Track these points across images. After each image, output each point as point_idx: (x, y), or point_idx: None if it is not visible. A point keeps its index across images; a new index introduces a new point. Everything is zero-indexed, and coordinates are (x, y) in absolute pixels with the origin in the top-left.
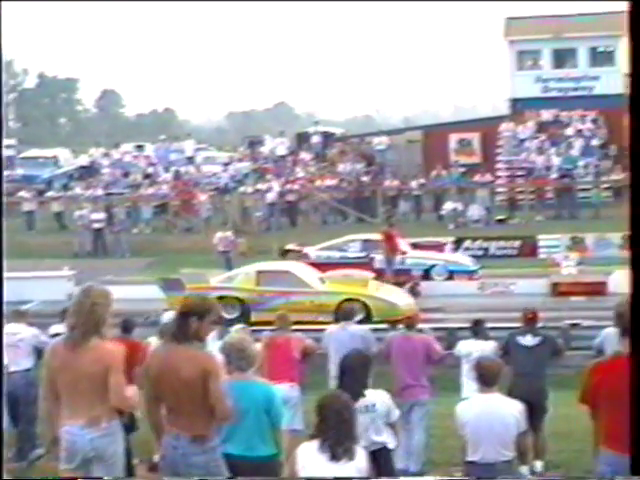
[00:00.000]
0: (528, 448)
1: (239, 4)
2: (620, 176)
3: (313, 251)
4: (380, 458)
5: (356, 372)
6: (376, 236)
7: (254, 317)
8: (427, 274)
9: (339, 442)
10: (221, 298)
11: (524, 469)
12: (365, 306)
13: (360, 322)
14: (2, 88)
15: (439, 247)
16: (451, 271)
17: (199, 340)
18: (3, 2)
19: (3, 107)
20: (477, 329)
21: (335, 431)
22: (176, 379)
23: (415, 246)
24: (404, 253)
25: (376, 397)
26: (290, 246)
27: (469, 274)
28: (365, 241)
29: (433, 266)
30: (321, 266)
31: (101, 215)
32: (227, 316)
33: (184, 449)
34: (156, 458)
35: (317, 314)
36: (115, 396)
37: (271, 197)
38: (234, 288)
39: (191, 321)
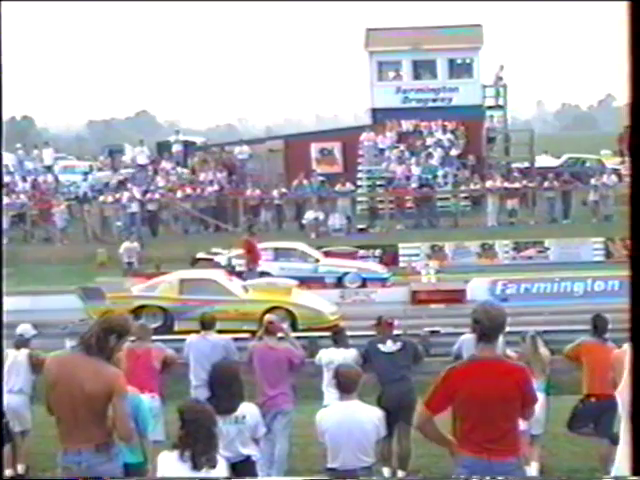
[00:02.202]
0: (391, 453)
1: (98, 13)
2: (477, 186)
3: (224, 259)
4: (244, 470)
5: (229, 383)
6: (287, 244)
7: (178, 326)
8: (340, 282)
9: (202, 452)
10: (143, 307)
11: (386, 471)
12: (290, 314)
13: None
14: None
15: (351, 255)
16: (364, 278)
17: (109, 358)
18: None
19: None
20: (338, 337)
21: (197, 441)
22: (79, 391)
23: (327, 254)
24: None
25: (246, 409)
26: (200, 254)
27: (382, 281)
28: (277, 249)
29: (346, 274)
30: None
31: None
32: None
33: (89, 461)
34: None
35: (242, 322)
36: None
37: (132, 207)
38: (157, 297)
39: (111, 339)
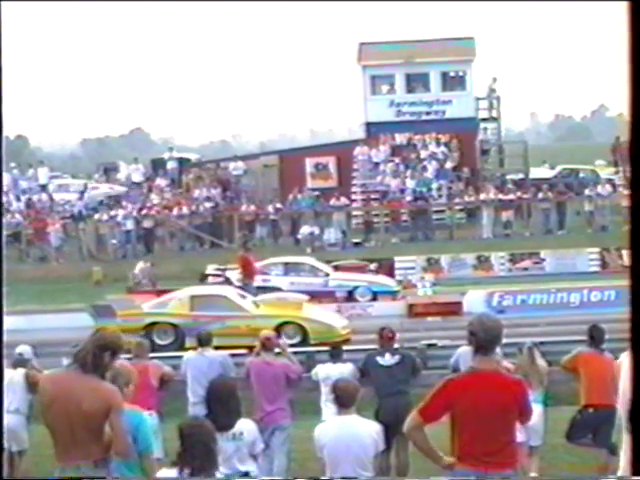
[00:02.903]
0: (389, 467)
1: (91, 31)
2: (472, 198)
3: (235, 274)
4: None
5: (226, 400)
6: (295, 259)
7: (189, 342)
8: (351, 295)
9: (200, 468)
10: (154, 324)
11: None
12: (302, 328)
13: (297, 345)
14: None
15: (362, 269)
16: (374, 292)
17: (102, 375)
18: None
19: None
20: (335, 352)
21: (196, 458)
22: (76, 408)
23: (337, 268)
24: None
25: (244, 426)
26: (210, 270)
27: (392, 295)
28: (286, 264)
29: (356, 287)
30: None
31: None
32: (160, 342)
33: (88, 477)
34: None
35: (253, 338)
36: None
37: (127, 224)
38: (168, 314)
39: (105, 355)
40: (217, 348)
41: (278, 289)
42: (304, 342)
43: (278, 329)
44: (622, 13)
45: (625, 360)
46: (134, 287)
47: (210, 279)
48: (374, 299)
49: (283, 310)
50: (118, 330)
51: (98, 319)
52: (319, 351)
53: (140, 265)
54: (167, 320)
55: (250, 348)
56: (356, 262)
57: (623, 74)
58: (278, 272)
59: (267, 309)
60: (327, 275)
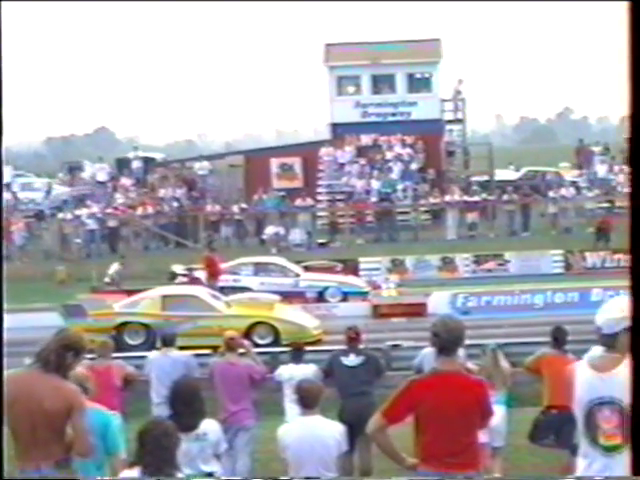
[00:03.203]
0: (353, 467)
1: (58, 28)
2: (437, 199)
3: (203, 274)
4: None
5: (190, 400)
6: (265, 259)
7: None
8: (321, 296)
9: (158, 469)
10: (125, 324)
11: None
12: (273, 329)
13: (269, 345)
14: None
15: (331, 269)
16: (345, 293)
17: (65, 375)
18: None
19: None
20: (296, 353)
21: (154, 458)
22: (37, 408)
23: (308, 268)
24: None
25: (208, 426)
26: (179, 270)
27: (362, 296)
28: (257, 264)
29: (327, 288)
30: None
31: None
32: (132, 342)
33: (49, 477)
34: None
35: None
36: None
37: (91, 223)
38: (139, 313)
39: (68, 355)
40: (188, 348)
41: (248, 289)
42: (276, 342)
43: (250, 329)
44: (590, 14)
45: (581, 367)
46: (102, 287)
47: (179, 279)
48: (344, 300)
49: (255, 310)
50: (82, 330)
51: (69, 319)
52: (284, 352)
53: (115, 266)
54: (138, 320)
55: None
56: (327, 263)
57: (623, 74)
58: (248, 272)
59: (239, 309)
60: (297, 276)
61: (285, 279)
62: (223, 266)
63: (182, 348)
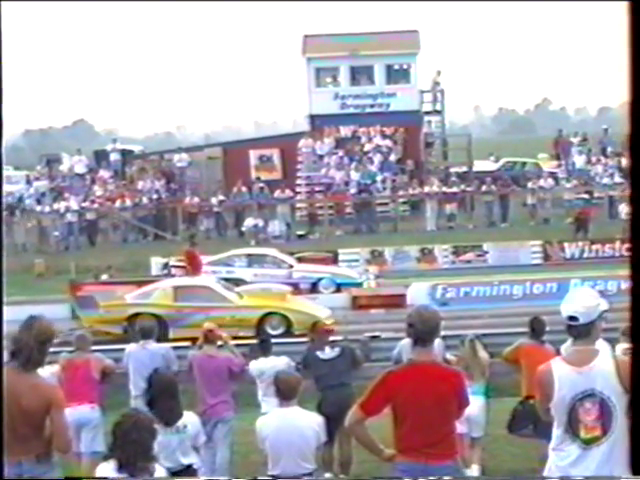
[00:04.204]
0: (332, 459)
1: (36, 20)
2: (416, 190)
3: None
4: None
5: (169, 393)
6: (259, 250)
7: (172, 334)
8: (314, 287)
9: (131, 462)
10: (137, 315)
11: (328, 477)
12: (286, 319)
13: (281, 335)
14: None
15: (325, 260)
16: (338, 284)
17: (42, 365)
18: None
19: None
20: (264, 345)
21: (124, 451)
22: (16, 406)
23: (301, 259)
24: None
25: (187, 418)
26: (173, 262)
27: (356, 286)
28: (250, 255)
29: (320, 279)
30: None
31: None
32: None
33: (31, 472)
34: None
35: (238, 329)
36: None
37: (69, 216)
38: (151, 304)
39: (47, 349)
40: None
41: (242, 281)
42: (288, 333)
43: (262, 320)
44: (567, 6)
45: (558, 364)
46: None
47: (172, 271)
48: (338, 291)
49: (267, 301)
50: (94, 321)
51: (80, 310)
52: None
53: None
54: (150, 311)
55: (234, 339)
56: (320, 254)
57: (623, 74)
58: (242, 264)
59: (251, 300)
60: (291, 267)
61: (279, 270)
62: (215, 258)
63: (194, 339)
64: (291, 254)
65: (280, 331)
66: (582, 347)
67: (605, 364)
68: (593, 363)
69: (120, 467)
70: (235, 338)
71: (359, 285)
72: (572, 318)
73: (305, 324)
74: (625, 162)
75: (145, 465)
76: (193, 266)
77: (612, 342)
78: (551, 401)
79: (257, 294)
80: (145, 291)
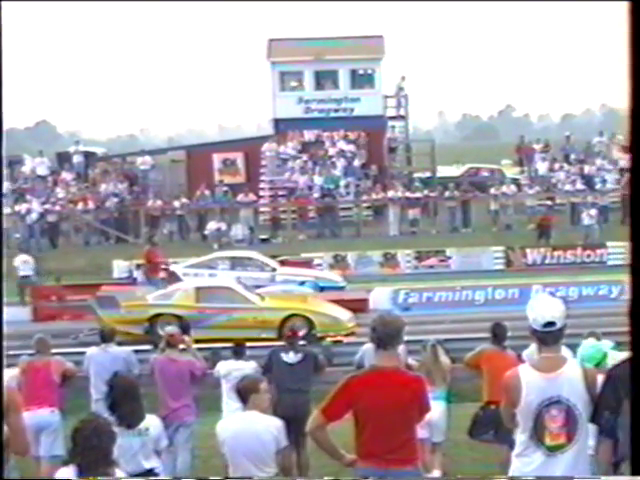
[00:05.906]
0: (291, 464)
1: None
2: (379, 195)
3: (180, 269)
4: None
5: (130, 396)
6: (241, 253)
7: (194, 335)
8: None
9: (92, 467)
10: (158, 315)
11: None
12: (308, 321)
13: (304, 338)
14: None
15: (307, 264)
16: (321, 287)
17: None
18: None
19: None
20: (237, 349)
21: (84, 457)
22: None
23: (283, 263)
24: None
25: (149, 421)
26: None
27: (339, 290)
28: (233, 258)
29: (303, 282)
30: None
31: None
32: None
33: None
34: None
35: (260, 330)
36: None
37: (31, 218)
38: (172, 305)
39: None
40: (222, 340)
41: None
42: (310, 334)
43: (285, 321)
44: (532, 12)
45: (525, 370)
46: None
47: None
48: None
49: (289, 303)
50: (114, 321)
51: (101, 310)
52: (224, 347)
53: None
54: (172, 312)
55: (256, 340)
56: (303, 257)
57: (622, 73)
58: (225, 267)
59: (273, 302)
60: (274, 270)
61: (262, 273)
62: (198, 261)
63: (216, 340)
64: (273, 257)
65: (302, 333)
66: (551, 354)
67: (573, 371)
68: (561, 370)
69: (80, 472)
70: (257, 340)
71: (342, 288)
72: (550, 324)
73: (327, 326)
74: (587, 169)
75: (106, 470)
76: (152, 267)
77: (573, 348)
78: (517, 407)
79: (278, 296)
80: (167, 292)
